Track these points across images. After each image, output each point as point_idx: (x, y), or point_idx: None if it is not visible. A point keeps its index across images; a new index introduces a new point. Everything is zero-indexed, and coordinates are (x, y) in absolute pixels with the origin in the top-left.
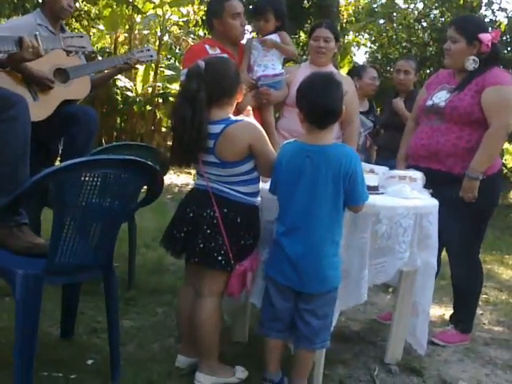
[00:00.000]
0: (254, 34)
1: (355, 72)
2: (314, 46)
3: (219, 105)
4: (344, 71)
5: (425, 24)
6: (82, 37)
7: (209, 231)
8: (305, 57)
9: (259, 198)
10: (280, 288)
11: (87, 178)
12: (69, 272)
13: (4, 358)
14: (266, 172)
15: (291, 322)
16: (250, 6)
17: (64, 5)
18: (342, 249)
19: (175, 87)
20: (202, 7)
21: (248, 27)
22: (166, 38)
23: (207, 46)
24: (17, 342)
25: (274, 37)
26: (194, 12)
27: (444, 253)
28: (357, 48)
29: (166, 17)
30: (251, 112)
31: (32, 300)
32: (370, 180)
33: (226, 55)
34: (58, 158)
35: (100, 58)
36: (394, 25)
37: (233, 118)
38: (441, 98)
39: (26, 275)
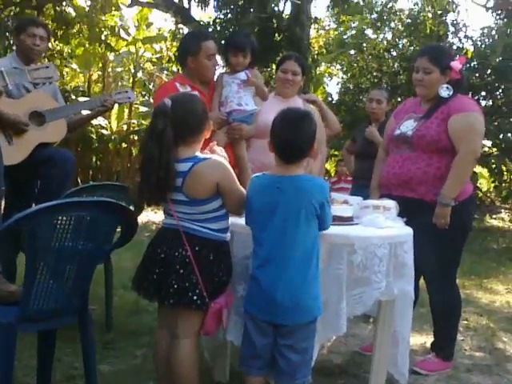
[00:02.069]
0: (225, 69)
1: None
2: (281, 78)
3: (186, 143)
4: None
5: (394, 53)
6: (47, 67)
7: (182, 271)
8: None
9: (229, 234)
10: (259, 324)
11: (60, 221)
12: (43, 318)
13: None
14: (235, 209)
15: (271, 358)
16: (222, 42)
17: (29, 44)
18: (320, 279)
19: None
20: (174, 43)
21: (219, 62)
22: (139, 74)
23: (177, 84)
24: None
25: (247, 72)
26: (167, 48)
27: (422, 280)
28: (329, 79)
29: (140, 54)
30: (216, 146)
31: (6, 349)
32: (344, 211)
33: (196, 93)
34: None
35: (74, 97)
36: (365, 55)
37: (200, 155)
38: (408, 126)
39: None
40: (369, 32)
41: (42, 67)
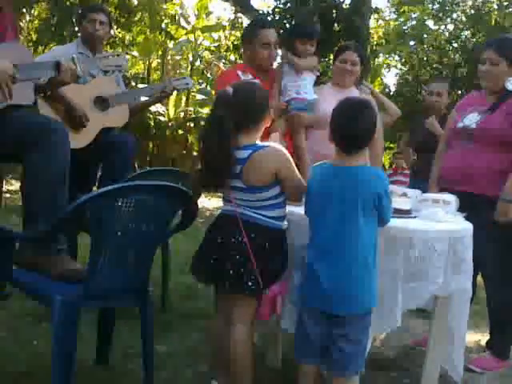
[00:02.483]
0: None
1: None
2: (340, 68)
3: (246, 131)
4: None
5: (455, 45)
6: (118, 55)
7: (238, 257)
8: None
9: (286, 222)
10: (313, 313)
11: (123, 204)
12: (105, 297)
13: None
14: (294, 198)
15: (325, 348)
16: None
17: (90, 30)
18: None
19: (207, 111)
20: (233, 32)
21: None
22: (197, 63)
23: (239, 72)
24: (54, 367)
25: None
26: (226, 37)
27: (479, 277)
28: (387, 70)
29: (198, 42)
30: (278, 136)
31: (69, 325)
32: (403, 204)
33: (257, 81)
34: (96, 184)
35: (134, 84)
36: (425, 46)
37: (259, 143)
38: (471, 119)
39: (63, 301)
40: (430, 23)
41: (112, 55)
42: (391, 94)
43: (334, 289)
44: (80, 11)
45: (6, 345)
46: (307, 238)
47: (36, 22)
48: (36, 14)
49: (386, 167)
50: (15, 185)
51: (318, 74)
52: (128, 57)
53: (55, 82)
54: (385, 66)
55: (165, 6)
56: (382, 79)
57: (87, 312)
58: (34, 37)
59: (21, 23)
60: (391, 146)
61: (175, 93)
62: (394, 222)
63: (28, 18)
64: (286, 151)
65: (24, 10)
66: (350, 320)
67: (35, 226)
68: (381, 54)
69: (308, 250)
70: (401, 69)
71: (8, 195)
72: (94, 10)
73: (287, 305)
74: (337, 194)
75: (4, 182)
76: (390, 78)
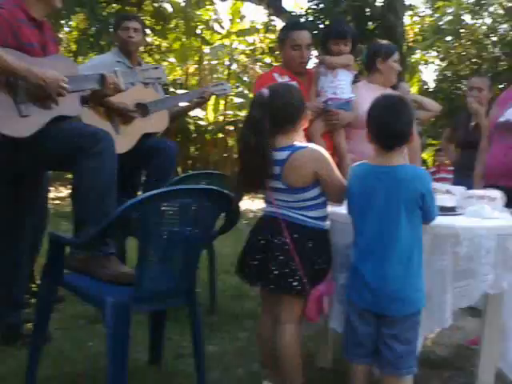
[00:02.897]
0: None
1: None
2: (396, 68)
3: (284, 131)
4: (414, 90)
5: (494, 39)
6: (157, 68)
7: (282, 257)
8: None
9: (328, 222)
10: (361, 313)
11: (168, 208)
12: (154, 299)
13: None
14: (335, 198)
15: (375, 347)
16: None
17: (125, 37)
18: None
19: (245, 115)
20: (267, 35)
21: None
22: (233, 66)
23: (276, 75)
24: (109, 368)
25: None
26: (260, 40)
27: None
28: (425, 66)
29: (233, 46)
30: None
31: (121, 327)
32: (447, 201)
33: (294, 83)
34: (140, 189)
35: (172, 90)
36: (462, 41)
37: (298, 144)
38: None
39: (115, 303)
40: (466, 17)
41: (151, 68)
42: (430, 90)
43: (381, 289)
44: (115, 20)
45: (62, 346)
46: (351, 237)
47: (75, 32)
48: (74, 25)
49: (429, 164)
50: (64, 191)
51: (355, 72)
52: (165, 63)
53: (99, 94)
54: (422, 62)
55: (199, 13)
56: (420, 76)
57: (139, 313)
58: (74, 47)
59: (60, 35)
60: (433, 142)
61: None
62: (439, 220)
63: (67, 29)
64: (324, 151)
65: (63, 22)
66: (399, 320)
67: (85, 232)
68: (418, 51)
69: (353, 250)
70: (439, 65)
71: (57, 202)
72: (127, 18)
73: (334, 305)
74: (378, 195)
75: (53, 189)
76: (429, 75)
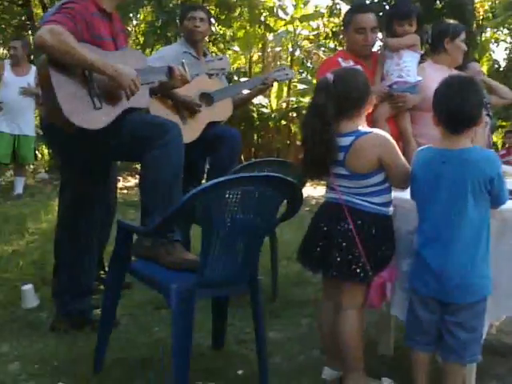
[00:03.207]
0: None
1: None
2: (463, 47)
3: (348, 117)
4: (484, 70)
5: None
6: (221, 59)
7: (344, 244)
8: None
9: (391, 208)
10: (424, 300)
11: (231, 196)
12: (218, 286)
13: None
14: (399, 183)
15: (438, 335)
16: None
17: (191, 27)
18: (490, 256)
19: (308, 101)
20: (331, 19)
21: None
22: (297, 52)
23: (340, 59)
24: (174, 352)
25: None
26: (324, 25)
27: None
28: (496, 45)
29: (297, 32)
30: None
31: (186, 312)
32: None
33: (359, 67)
34: (205, 177)
35: (236, 78)
36: None
37: (362, 129)
38: None
39: (179, 289)
40: None
41: (216, 59)
42: (501, 69)
43: (446, 276)
44: (182, 11)
45: (128, 332)
46: (414, 223)
47: (142, 25)
48: (142, 18)
49: (499, 147)
50: (131, 181)
51: (421, 52)
52: (230, 52)
53: (166, 86)
54: (493, 41)
55: (263, 0)
56: (490, 55)
57: (202, 299)
58: (141, 39)
59: (128, 28)
60: (503, 124)
61: (277, 84)
62: (508, 204)
63: (135, 22)
64: (389, 136)
65: (131, 15)
66: (464, 307)
67: (152, 220)
68: (488, 29)
69: (417, 235)
70: (511, 42)
71: (125, 191)
72: (193, 8)
73: (397, 291)
74: (445, 179)
75: (121, 179)
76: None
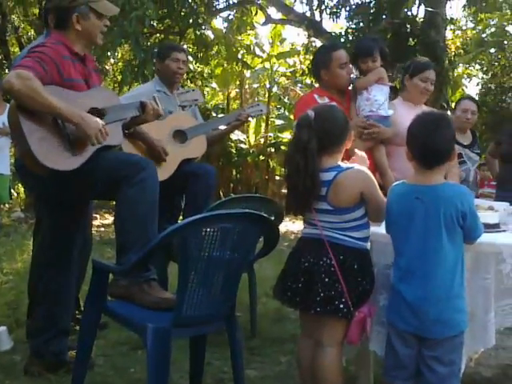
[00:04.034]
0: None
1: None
2: (421, 87)
3: (329, 152)
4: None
5: None
6: (193, 91)
7: (327, 279)
8: None
9: (369, 243)
10: (402, 334)
11: (208, 233)
12: (195, 324)
13: None
14: (377, 217)
15: (416, 369)
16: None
17: (174, 68)
18: (465, 290)
19: (286, 136)
20: (307, 56)
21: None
22: (274, 89)
23: (316, 96)
24: None
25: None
26: (300, 62)
27: None
28: (468, 80)
29: (274, 69)
30: (357, 150)
31: (162, 352)
32: (490, 218)
33: (334, 103)
34: (181, 213)
35: (214, 115)
36: (506, 53)
37: (343, 165)
38: None
39: (156, 329)
40: (510, 29)
41: (189, 91)
42: None
43: (423, 311)
44: (162, 49)
45: (104, 373)
46: (390, 257)
47: (120, 63)
48: (119, 56)
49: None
50: (109, 218)
51: (391, 84)
52: (207, 89)
53: (138, 120)
54: (465, 76)
55: (240, 37)
56: (463, 89)
57: (179, 338)
58: (119, 77)
59: (106, 66)
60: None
61: (255, 120)
62: (482, 237)
63: (112, 60)
64: (369, 172)
65: (109, 53)
66: (442, 342)
67: (127, 258)
68: (460, 65)
69: (393, 270)
70: (482, 78)
71: (102, 229)
72: (177, 49)
73: (375, 326)
74: (418, 214)
75: (98, 216)
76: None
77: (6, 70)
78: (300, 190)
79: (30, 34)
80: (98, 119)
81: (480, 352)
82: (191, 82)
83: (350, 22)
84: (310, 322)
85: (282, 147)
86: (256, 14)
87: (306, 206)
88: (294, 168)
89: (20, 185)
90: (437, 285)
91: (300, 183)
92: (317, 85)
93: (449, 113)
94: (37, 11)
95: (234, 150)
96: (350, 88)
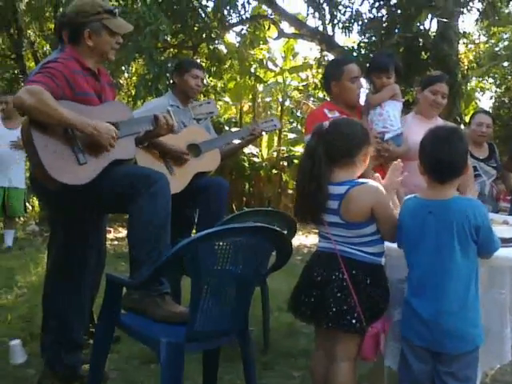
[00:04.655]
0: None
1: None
2: (430, 99)
3: (341, 165)
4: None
5: None
6: (208, 103)
7: (339, 294)
8: None
9: (383, 258)
10: (416, 350)
11: (221, 247)
12: (208, 338)
13: None
14: (388, 236)
15: None
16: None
17: (192, 85)
18: (480, 305)
19: (299, 150)
20: (319, 70)
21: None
22: (287, 103)
23: (326, 110)
24: None
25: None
26: (313, 76)
27: None
28: (481, 93)
29: (287, 83)
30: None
31: (175, 366)
32: (505, 232)
33: (345, 117)
34: (194, 227)
35: (227, 128)
36: None
37: (357, 180)
38: None
39: (169, 343)
40: None
41: (203, 103)
42: None
43: (437, 326)
44: (182, 63)
45: None
46: (404, 272)
47: (134, 78)
48: (133, 70)
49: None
50: (122, 232)
51: (403, 100)
52: (221, 103)
53: (152, 134)
54: (478, 89)
55: (253, 52)
56: (476, 103)
57: (192, 352)
58: (133, 92)
59: (120, 80)
60: None
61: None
62: (497, 252)
63: (126, 74)
64: (382, 188)
65: (123, 68)
66: (457, 357)
67: (140, 272)
68: (473, 78)
69: (406, 284)
70: (496, 91)
71: (116, 242)
72: (198, 66)
73: (389, 341)
74: (431, 228)
75: (112, 230)
76: (485, 102)
77: (22, 84)
78: (306, 193)
79: (45, 48)
80: (108, 124)
81: (496, 368)
82: (204, 96)
83: (363, 36)
84: (324, 337)
85: (295, 161)
86: (269, 28)
87: (311, 212)
88: (301, 173)
89: (35, 198)
90: (450, 299)
91: (306, 187)
92: (329, 98)
93: (462, 126)
94: (52, 26)
95: (246, 164)
96: (361, 103)
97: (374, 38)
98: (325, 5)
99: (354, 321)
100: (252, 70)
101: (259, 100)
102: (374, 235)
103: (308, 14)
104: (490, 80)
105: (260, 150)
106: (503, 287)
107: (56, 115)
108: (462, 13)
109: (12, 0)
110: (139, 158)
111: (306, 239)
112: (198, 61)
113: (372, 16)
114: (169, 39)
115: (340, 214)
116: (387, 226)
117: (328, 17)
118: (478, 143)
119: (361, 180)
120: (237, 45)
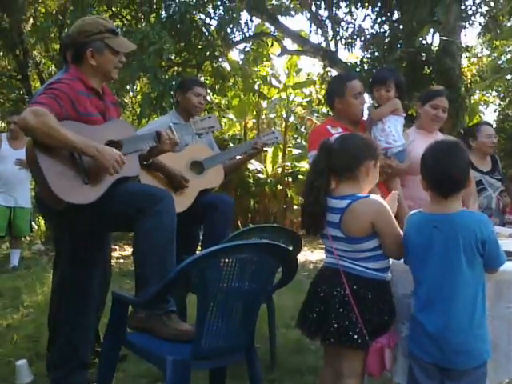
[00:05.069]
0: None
1: (469, 133)
2: (431, 114)
3: (345, 179)
4: None
5: None
6: (210, 117)
7: (341, 310)
8: None
9: (389, 274)
10: (424, 366)
11: (226, 264)
12: (214, 356)
13: None
14: (392, 253)
15: None
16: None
17: (195, 102)
18: (487, 320)
19: (304, 165)
20: (323, 86)
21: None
22: (291, 119)
23: (329, 127)
24: None
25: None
26: (316, 91)
27: None
28: (485, 107)
29: (290, 99)
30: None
31: None
32: (511, 245)
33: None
34: (200, 244)
35: (231, 145)
36: None
37: (360, 194)
38: None
39: (175, 361)
40: None
41: (205, 118)
42: None
43: (445, 341)
44: (185, 81)
45: None
46: (410, 287)
47: (139, 96)
48: (138, 89)
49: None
50: (128, 250)
51: (404, 114)
52: (225, 120)
53: (156, 151)
54: (482, 103)
55: (256, 69)
56: (480, 116)
57: (199, 370)
58: (138, 110)
59: (125, 99)
60: None
61: (272, 149)
62: (504, 266)
63: (131, 93)
64: (386, 204)
65: (127, 87)
66: (465, 373)
67: (146, 290)
68: (477, 92)
69: (413, 300)
70: (499, 104)
71: (121, 260)
72: (199, 84)
73: (399, 358)
74: (437, 243)
75: (117, 248)
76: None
77: (27, 105)
78: (305, 205)
79: (51, 69)
80: (113, 149)
81: (505, 383)
82: (209, 113)
83: (365, 52)
84: (330, 352)
85: (300, 176)
86: (272, 45)
87: (313, 223)
88: (304, 185)
89: (40, 217)
90: (457, 314)
91: (308, 196)
92: (332, 114)
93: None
94: (57, 47)
95: (251, 180)
96: (364, 118)
97: (376, 54)
98: (327, 21)
99: (355, 336)
100: (256, 87)
101: (263, 116)
102: (375, 250)
103: (311, 31)
104: (494, 93)
105: (265, 166)
106: (510, 301)
107: (59, 137)
108: (465, 27)
109: (17, 21)
110: (143, 180)
111: (311, 255)
112: (202, 79)
113: (374, 32)
114: (173, 58)
115: (341, 227)
116: (389, 241)
117: (330, 33)
118: (484, 155)
119: (363, 194)
120: (240, 62)
